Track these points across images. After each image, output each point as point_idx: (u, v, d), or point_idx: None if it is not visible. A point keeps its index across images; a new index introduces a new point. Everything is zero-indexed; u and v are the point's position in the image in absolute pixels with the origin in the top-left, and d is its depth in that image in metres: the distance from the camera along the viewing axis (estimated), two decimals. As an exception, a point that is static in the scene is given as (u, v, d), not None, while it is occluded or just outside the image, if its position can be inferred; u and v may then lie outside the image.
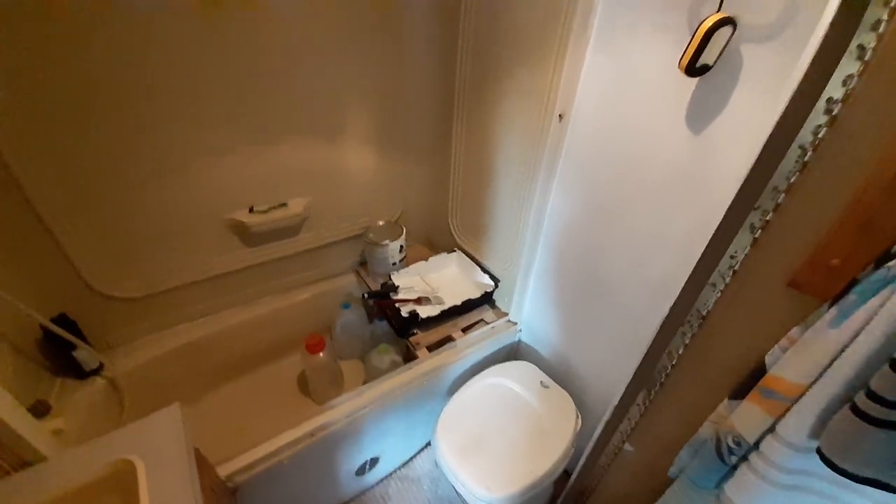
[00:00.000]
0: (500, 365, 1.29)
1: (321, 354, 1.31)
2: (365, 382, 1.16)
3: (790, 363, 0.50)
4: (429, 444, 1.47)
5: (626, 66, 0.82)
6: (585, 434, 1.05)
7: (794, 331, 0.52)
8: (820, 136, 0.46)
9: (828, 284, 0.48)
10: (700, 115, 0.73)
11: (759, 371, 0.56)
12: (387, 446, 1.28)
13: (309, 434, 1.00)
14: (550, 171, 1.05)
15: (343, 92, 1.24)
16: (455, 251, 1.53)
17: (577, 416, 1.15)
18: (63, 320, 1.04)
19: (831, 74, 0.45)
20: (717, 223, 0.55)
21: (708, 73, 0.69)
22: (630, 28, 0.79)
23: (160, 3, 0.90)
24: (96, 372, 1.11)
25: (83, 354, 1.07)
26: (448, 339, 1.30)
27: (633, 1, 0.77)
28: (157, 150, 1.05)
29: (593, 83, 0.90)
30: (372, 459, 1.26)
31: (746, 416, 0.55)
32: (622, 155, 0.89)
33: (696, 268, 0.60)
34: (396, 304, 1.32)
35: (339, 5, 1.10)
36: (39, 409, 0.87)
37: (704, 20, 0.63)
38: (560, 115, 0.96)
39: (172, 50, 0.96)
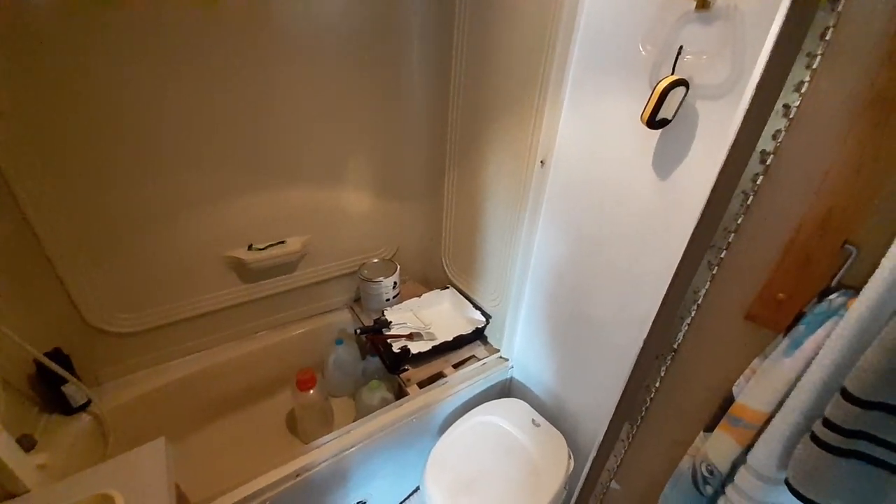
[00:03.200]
0: (491, 402, 1.28)
1: (312, 391, 1.30)
2: (355, 420, 1.15)
3: (752, 391, 0.53)
4: (418, 488, 1.42)
5: (598, 119, 0.91)
6: (576, 473, 1.03)
7: (755, 361, 0.55)
8: (758, 182, 0.52)
9: (778, 317, 0.51)
10: (664, 163, 0.80)
11: (729, 402, 0.58)
12: (374, 489, 1.24)
13: (293, 474, 0.98)
14: (535, 213, 1.12)
15: (342, 139, 1.33)
16: (448, 288, 1.56)
17: (570, 457, 1.13)
18: (57, 355, 1.05)
19: (763, 130, 0.52)
20: (678, 260, 0.60)
21: (668, 126, 0.77)
22: (599, 88, 0.89)
23: (179, 58, 1.00)
24: (83, 408, 1.11)
25: (72, 390, 1.07)
26: (439, 376, 1.30)
27: (600, 67, 0.87)
28: (162, 190, 1.11)
29: (571, 133, 0.98)
30: (359, 503, 1.21)
31: (717, 445, 0.56)
32: (600, 197, 0.95)
33: (664, 302, 0.63)
34: (388, 340, 1.34)
35: (342, 60, 1.21)
36: (24, 444, 0.86)
37: (660, 81, 0.72)
38: (542, 162, 1.04)
39: (186, 101, 1.05)
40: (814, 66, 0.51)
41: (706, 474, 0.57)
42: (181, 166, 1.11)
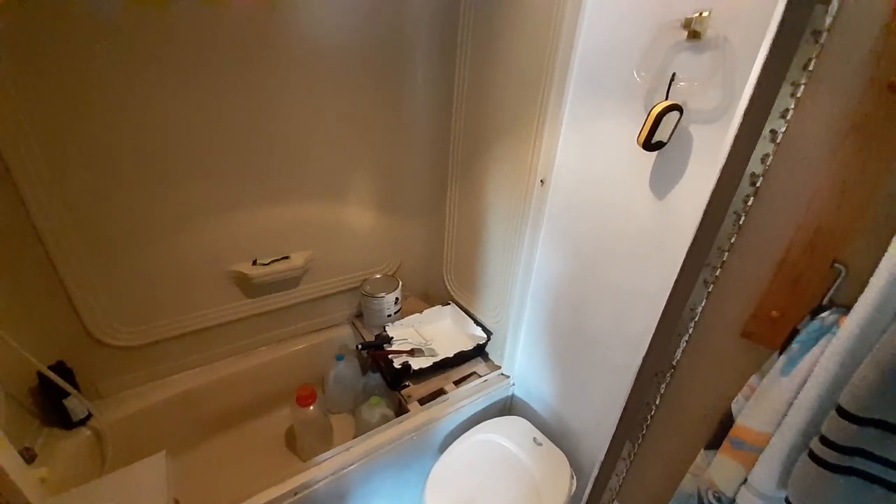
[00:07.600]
0: (492, 420, 1.27)
1: (311, 408, 1.30)
2: (354, 437, 1.14)
3: (752, 412, 0.53)
4: (418, 508, 1.40)
5: (596, 141, 0.94)
6: (577, 493, 1.02)
7: (753, 379, 0.56)
8: (749, 204, 0.54)
9: (773, 334, 0.52)
10: (660, 184, 0.82)
11: (728, 419, 0.58)
12: (373, 509, 1.22)
13: (291, 492, 0.97)
14: (535, 230, 1.14)
15: (347, 155, 1.37)
16: (450, 304, 1.57)
17: (572, 477, 1.11)
18: (61, 368, 1.06)
19: (752, 153, 0.54)
20: (675, 278, 0.61)
21: (664, 148, 0.79)
22: (597, 111, 0.92)
23: (186, 70, 1.03)
24: (83, 422, 1.11)
25: (73, 403, 1.07)
26: (440, 392, 1.30)
27: (597, 91, 0.91)
28: (167, 203, 1.13)
29: (570, 154, 1.01)
30: (357, 523, 1.19)
31: (722, 470, 0.56)
32: (598, 216, 0.97)
33: (662, 319, 0.64)
34: (389, 356, 1.34)
35: (348, 78, 1.25)
36: (25, 457, 0.86)
37: (655, 106, 0.75)
38: (542, 181, 1.07)
39: (192, 113, 1.07)
40: (798, 95, 0.54)
41: (713, 502, 0.57)
42: (185, 179, 1.13)
